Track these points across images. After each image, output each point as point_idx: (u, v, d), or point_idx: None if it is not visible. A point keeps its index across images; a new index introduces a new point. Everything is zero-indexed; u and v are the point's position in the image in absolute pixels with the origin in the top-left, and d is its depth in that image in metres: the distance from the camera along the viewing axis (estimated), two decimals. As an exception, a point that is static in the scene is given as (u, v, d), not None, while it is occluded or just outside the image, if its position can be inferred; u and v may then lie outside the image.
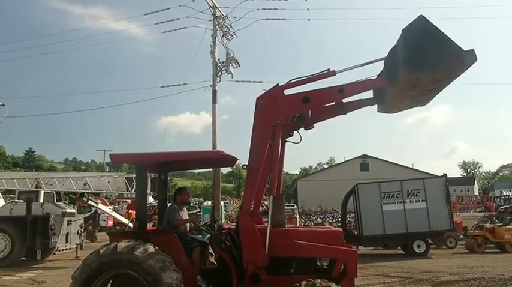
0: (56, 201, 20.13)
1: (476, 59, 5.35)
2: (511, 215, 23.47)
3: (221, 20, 23.13)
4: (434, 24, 5.41)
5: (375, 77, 6.24)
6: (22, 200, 17.30)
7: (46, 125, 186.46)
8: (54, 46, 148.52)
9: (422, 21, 5.41)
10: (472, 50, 5.34)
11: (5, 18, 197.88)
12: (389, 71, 5.96)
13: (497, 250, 19.91)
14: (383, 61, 6.09)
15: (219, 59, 22.75)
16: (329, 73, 6.21)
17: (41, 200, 19.69)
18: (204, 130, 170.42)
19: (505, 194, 43.33)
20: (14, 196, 22.57)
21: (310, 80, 6.29)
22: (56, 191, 22.37)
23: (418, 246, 18.45)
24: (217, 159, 7.69)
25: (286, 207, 8.31)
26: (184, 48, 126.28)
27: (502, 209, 28.18)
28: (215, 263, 7.01)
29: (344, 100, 6.46)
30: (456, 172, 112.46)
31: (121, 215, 27.42)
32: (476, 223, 23.47)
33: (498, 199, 40.40)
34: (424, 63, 5.38)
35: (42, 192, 21.18)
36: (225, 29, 23.11)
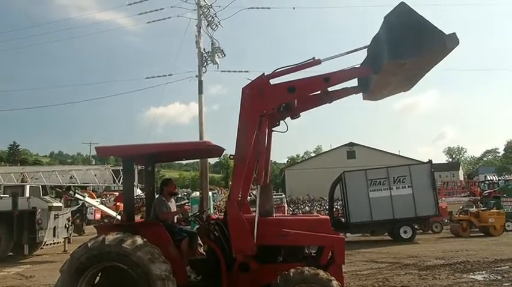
0: (42, 195, 19.95)
1: (458, 43, 5.34)
2: (495, 200, 23.91)
3: (206, 10, 22.94)
4: (415, 10, 5.41)
5: (360, 66, 6.26)
6: (8, 195, 17.09)
7: (30, 119, 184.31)
8: (39, 38, 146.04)
9: (403, 8, 5.42)
10: (454, 34, 5.34)
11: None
12: (373, 59, 5.98)
13: (482, 234, 20.26)
14: (366, 49, 6.12)
15: (204, 49, 22.61)
16: (314, 62, 6.20)
17: (27, 194, 19.49)
18: (194, 120, 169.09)
19: (489, 179, 44.00)
20: (0, 191, 22.31)
21: (295, 69, 6.27)
22: (42, 185, 22.17)
23: (405, 232, 18.63)
24: (203, 150, 7.65)
25: (274, 196, 8.35)
26: (171, 39, 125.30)
27: (486, 194, 28.70)
28: (204, 253, 7.02)
29: (329, 89, 6.48)
30: (441, 158, 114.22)
31: (109, 207, 27.27)
32: (461, 207, 23.78)
33: (482, 184, 40.94)
34: (407, 50, 5.40)
35: (28, 186, 20.98)
36: (210, 18, 22.96)
